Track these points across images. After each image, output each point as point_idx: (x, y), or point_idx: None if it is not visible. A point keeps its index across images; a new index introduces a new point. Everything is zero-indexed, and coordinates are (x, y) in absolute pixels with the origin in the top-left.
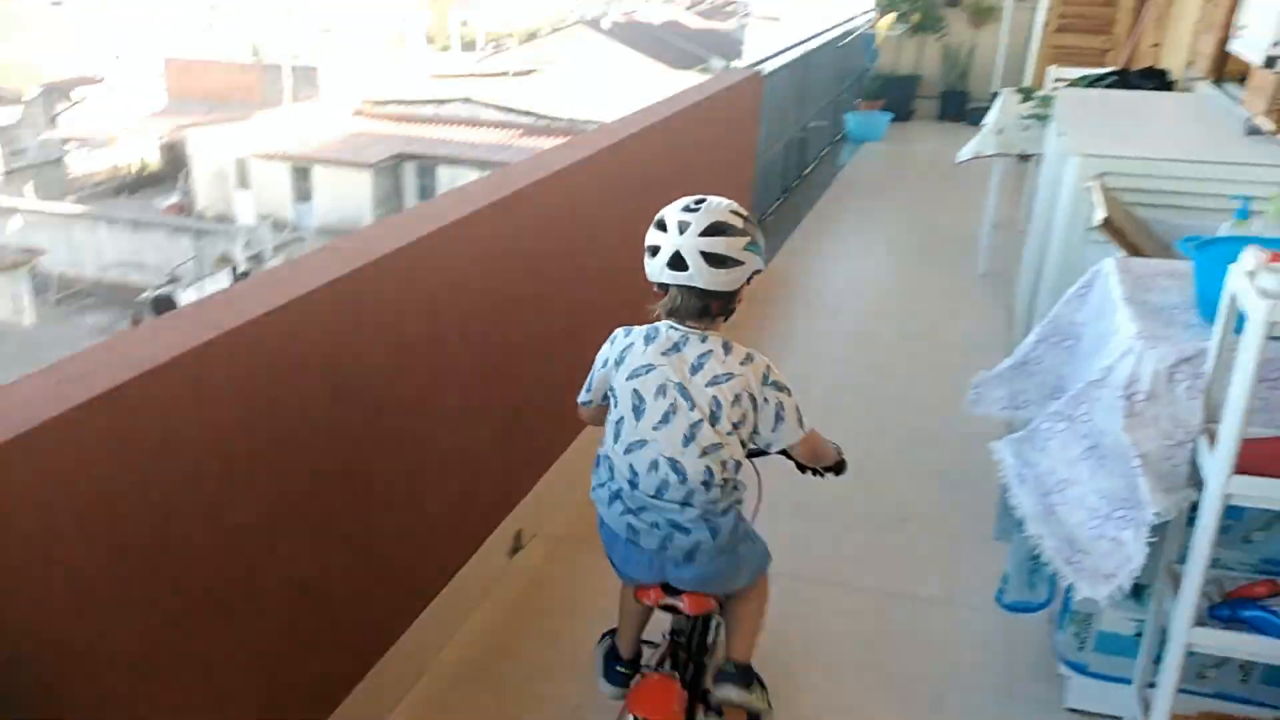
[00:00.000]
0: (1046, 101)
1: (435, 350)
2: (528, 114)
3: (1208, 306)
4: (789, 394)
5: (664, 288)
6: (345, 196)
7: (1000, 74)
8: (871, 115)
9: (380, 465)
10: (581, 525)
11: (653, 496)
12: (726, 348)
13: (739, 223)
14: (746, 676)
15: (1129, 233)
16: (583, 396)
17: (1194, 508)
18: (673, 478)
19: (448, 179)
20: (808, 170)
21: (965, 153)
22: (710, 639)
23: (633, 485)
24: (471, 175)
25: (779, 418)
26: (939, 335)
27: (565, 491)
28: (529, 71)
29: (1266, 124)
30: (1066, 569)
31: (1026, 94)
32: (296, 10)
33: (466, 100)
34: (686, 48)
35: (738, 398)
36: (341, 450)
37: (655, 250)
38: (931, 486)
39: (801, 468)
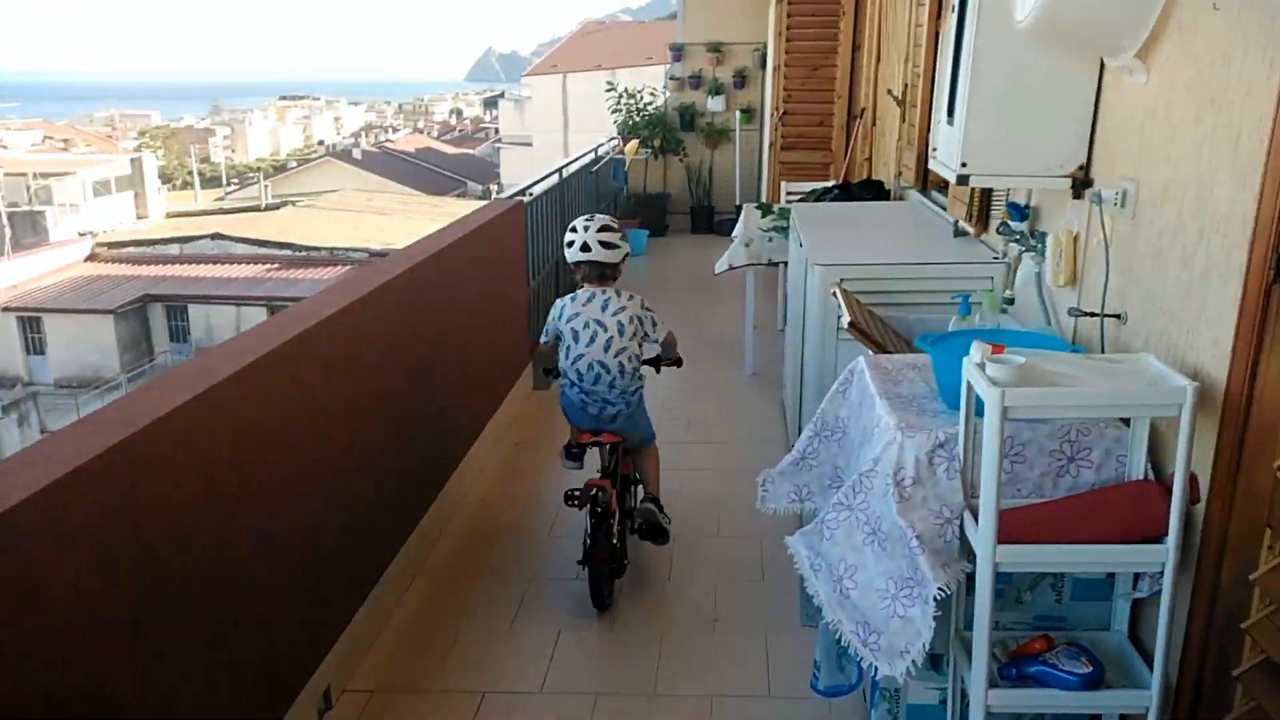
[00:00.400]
0: (784, 215)
1: (214, 514)
2: (285, 246)
3: (950, 395)
4: (654, 311)
5: (578, 265)
6: (86, 345)
7: (739, 188)
8: (630, 232)
9: (169, 638)
10: (399, 673)
11: (593, 385)
12: (619, 294)
13: (615, 224)
14: (656, 503)
15: (873, 331)
16: (543, 339)
17: (970, 578)
18: (603, 373)
19: (202, 317)
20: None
21: (721, 265)
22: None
23: (580, 380)
24: (228, 311)
25: (654, 323)
26: (720, 434)
27: (378, 636)
28: (280, 204)
29: (968, 227)
30: (865, 650)
31: (765, 209)
32: (13, 153)
33: (215, 236)
34: (442, 173)
35: (632, 319)
36: (123, 631)
37: (571, 243)
38: (736, 583)
39: (660, 365)
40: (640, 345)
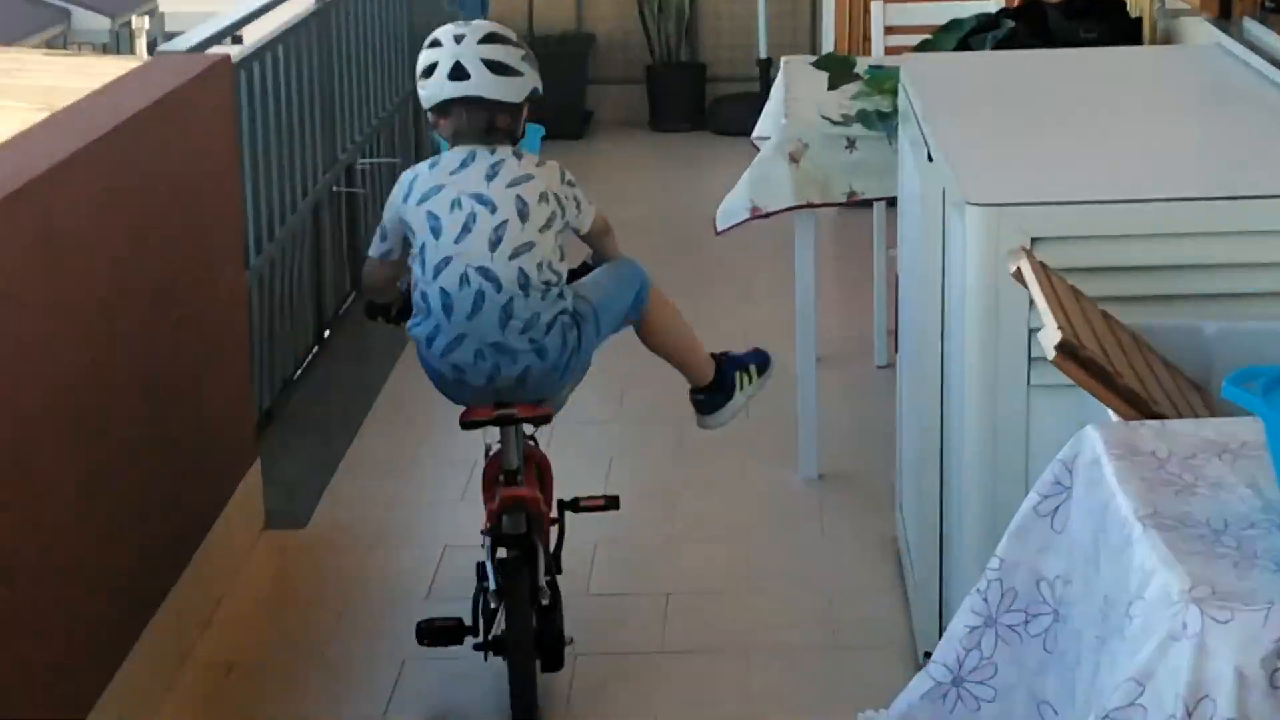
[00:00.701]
0: (881, 82)
1: None
2: None
3: None
4: (578, 187)
5: (444, 111)
6: None
7: (764, 21)
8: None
9: None
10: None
11: (469, 318)
12: (518, 155)
13: (513, 36)
14: (718, 392)
15: (1115, 362)
16: (376, 249)
17: None
18: (487, 287)
19: None
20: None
21: (732, 208)
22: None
23: (447, 311)
24: None
25: (579, 204)
26: (753, 627)
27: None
28: None
29: None
30: None
31: (837, 69)
32: None
33: None
34: None
35: (543, 195)
36: None
37: (432, 68)
38: None
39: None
40: (559, 242)
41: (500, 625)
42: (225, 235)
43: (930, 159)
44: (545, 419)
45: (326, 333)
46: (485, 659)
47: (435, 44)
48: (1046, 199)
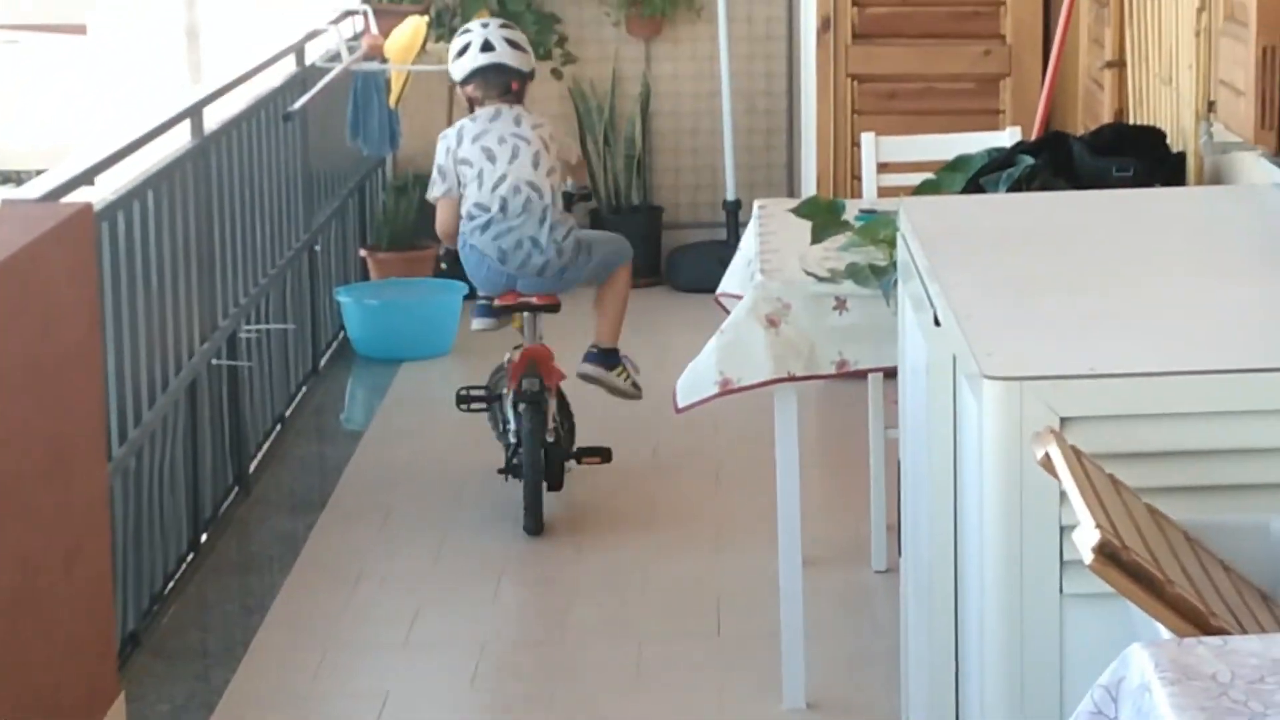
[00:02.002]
0: (879, 230)
1: None
2: None
3: None
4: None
5: (476, 78)
6: None
7: (732, 157)
8: (423, 286)
9: None
10: None
11: (519, 216)
12: (529, 111)
13: (515, 28)
14: (610, 358)
15: (1161, 565)
16: (436, 191)
17: None
18: (533, 195)
19: None
20: (251, 470)
21: (697, 381)
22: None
23: (504, 211)
24: None
25: (565, 145)
26: None
27: None
28: None
29: None
30: None
31: (826, 216)
32: None
33: None
34: None
35: (552, 136)
36: None
37: (466, 47)
38: None
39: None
40: (564, 175)
41: (517, 457)
42: (83, 421)
43: (937, 323)
44: (554, 307)
45: (204, 537)
46: (505, 480)
47: (466, 31)
48: (1078, 371)
